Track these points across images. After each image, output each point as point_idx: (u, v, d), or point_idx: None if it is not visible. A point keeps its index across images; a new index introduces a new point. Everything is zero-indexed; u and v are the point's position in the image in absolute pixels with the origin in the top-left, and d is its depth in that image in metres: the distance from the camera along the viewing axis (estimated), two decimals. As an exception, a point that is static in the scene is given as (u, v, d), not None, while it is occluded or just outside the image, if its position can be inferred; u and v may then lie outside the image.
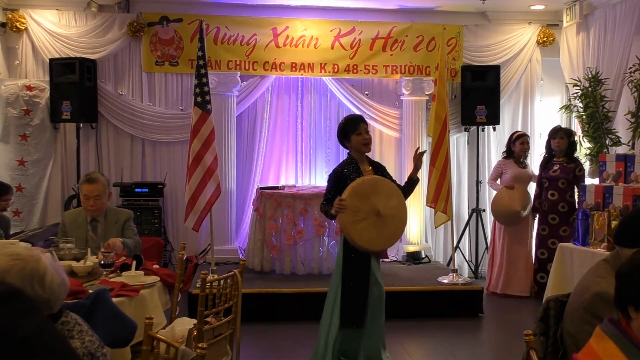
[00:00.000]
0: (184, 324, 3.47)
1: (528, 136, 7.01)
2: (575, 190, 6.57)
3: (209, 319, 3.42)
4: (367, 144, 4.34)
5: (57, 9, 7.27)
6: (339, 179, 4.31)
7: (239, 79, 7.41)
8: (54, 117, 7.09)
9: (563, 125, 8.02)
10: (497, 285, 6.92)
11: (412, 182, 4.50)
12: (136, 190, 7.14)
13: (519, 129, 7.58)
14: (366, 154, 4.46)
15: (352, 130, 4.33)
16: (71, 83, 6.93)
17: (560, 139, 6.62)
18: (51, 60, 7.04)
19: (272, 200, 6.69)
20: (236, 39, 7.46)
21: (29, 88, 7.04)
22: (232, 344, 3.65)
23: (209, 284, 3.39)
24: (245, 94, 7.56)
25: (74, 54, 7.13)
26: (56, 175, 7.32)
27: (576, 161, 6.67)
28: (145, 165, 7.52)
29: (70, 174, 7.32)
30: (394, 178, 4.57)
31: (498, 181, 6.98)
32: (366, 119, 7.52)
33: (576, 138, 6.95)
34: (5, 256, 1.83)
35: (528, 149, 6.92)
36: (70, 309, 3.10)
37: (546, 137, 6.83)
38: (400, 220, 4.27)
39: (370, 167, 4.41)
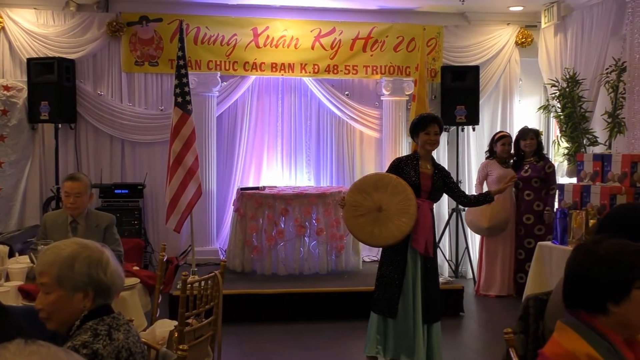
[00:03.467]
0: (165, 326, 3.45)
1: (510, 137, 7.03)
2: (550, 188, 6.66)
3: (190, 321, 3.41)
4: (432, 143, 4.49)
5: (34, 8, 7.19)
6: (395, 168, 4.50)
7: (219, 79, 7.39)
8: (32, 117, 7.01)
9: (542, 126, 8.13)
10: (489, 287, 6.94)
11: (488, 197, 4.61)
12: (116, 191, 7.08)
13: (499, 129, 7.65)
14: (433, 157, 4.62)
15: (422, 128, 4.48)
16: (49, 83, 6.85)
17: (531, 139, 6.72)
18: (29, 60, 6.96)
19: (253, 200, 6.68)
20: (216, 39, 7.44)
21: (6, 88, 6.96)
22: (213, 346, 3.64)
23: (189, 285, 3.38)
24: (225, 95, 7.53)
25: (52, 53, 7.05)
26: (34, 176, 7.23)
27: (544, 158, 6.77)
28: (125, 166, 7.46)
29: (48, 175, 7.24)
30: (456, 183, 4.69)
31: (484, 185, 6.97)
32: (346, 120, 7.69)
33: (554, 138, 7.03)
34: (75, 244, 2.10)
35: (510, 149, 6.93)
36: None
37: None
38: (408, 216, 4.28)
39: (432, 167, 4.50)
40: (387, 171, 4.58)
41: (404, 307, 4.35)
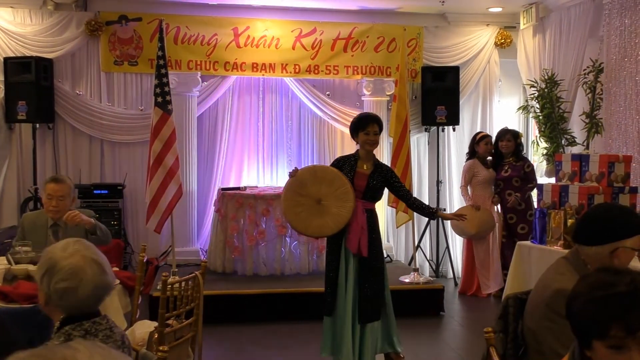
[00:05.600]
0: (145, 327, 3.43)
1: (491, 137, 7.07)
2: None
3: (170, 322, 3.39)
4: (371, 144, 4.50)
5: (11, 7, 7.10)
6: (336, 167, 4.54)
7: (200, 79, 7.36)
8: (9, 117, 6.93)
9: (521, 126, 8.20)
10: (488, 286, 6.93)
11: (433, 215, 4.64)
12: (95, 191, 7.02)
13: (479, 130, 7.69)
14: (375, 157, 4.62)
15: (361, 128, 4.50)
16: (27, 83, 6.77)
17: (508, 141, 6.78)
18: (6, 59, 6.87)
19: (234, 201, 6.65)
20: (197, 38, 7.40)
21: (-17, 88, 6.87)
22: (194, 347, 3.62)
23: (170, 286, 3.35)
24: (206, 94, 7.50)
25: (30, 52, 6.97)
26: (11, 177, 7.14)
27: (523, 158, 6.84)
28: (104, 166, 7.40)
29: (26, 176, 7.16)
30: (402, 183, 4.68)
31: (469, 188, 6.97)
32: (327, 120, 7.69)
33: (533, 138, 7.09)
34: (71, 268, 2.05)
35: (492, 149, 6.97)
36: (27, 313, 3.06)
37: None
38: (335, 222, 4.35)
39: (371, 167, 4.49)
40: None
41: (339, 306, 4.40)
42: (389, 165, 6.63)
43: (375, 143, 4.52)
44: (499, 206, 6.92)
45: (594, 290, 1.66)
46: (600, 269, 1.77)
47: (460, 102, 7.77)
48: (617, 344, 1.61)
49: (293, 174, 4.42)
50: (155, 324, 3.35)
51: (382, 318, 4.54)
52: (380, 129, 4.54)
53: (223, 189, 6.90)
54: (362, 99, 7.76)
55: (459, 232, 7.05)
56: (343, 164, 4.51)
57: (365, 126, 4.46)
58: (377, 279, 4.49)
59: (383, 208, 7.38)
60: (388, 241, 7.73)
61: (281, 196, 4.55)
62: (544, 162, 7.20)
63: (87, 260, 2.05)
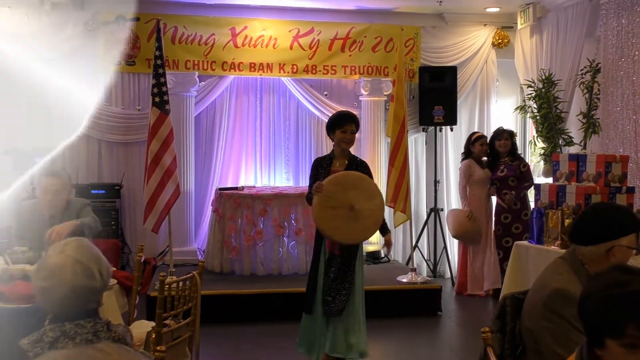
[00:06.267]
0: (142, 327, 3.43)
1: (486, 137, 7.08)
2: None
3: (167, 322, 3.39)
4: (347, 142, 4.45)
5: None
6: (313, 170, 4.52)
7: (197, 79, 7.35)
8: (7, 117, 6.92)
9: (518, 126, 8.21)
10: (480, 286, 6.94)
11: (383, 230, 4.54)
12: (92, 191, 7.00)
13: (476, 130, 7.70)
14: (350, 153, 4.57)
15: (338, 126, 4.44)
16: (24, 82, 6.77)
17: (505, 140, 6.78)
18: (3, 59, 6.87)
19: (232, 201, 6.66)
20: (194, 38, 7.40)
21: (-20, 87, 6.85)
22: (191, 347, 3.62)
23: (167, 286, 3.35)
24: (203, 94, 7.50)
25: (27, 52, 6.96)
26: (9, 176, 7.13)
27: (519, 158, 6.85)
28: (102, 166, 7.39)
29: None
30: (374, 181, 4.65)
31: (467, 189, 6.99)
32: (325, 120, 7.66)
33: (530, 138, 7.09)
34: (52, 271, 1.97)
35: (487, 149, 6.98)
36: (25, 313, 3.05)
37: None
38: (374, 222, 4.34)
39: (343, 164, 4.47)
40: (310, 174, 4.58)
41: (317, 305, 4.38)
42: (387, 164, 6.73)
43: (351, 142, 4.49)
44: (494, 201, 6.91)
45: (609, 289, 1.66)
46: (614, 267, 1.77)
47: (458, 102, 7.78)
48: (632, 342, 1.61)
49: (320, 190, 4.25)
50: (153, 324, 3.35)
51: (345, 317, 4.32)
52: (357, 128, 4.51)
53: (221, 189, 6.90)
54: (360, 98, 7.76)
55: (449, 227, 7.12)
56: (319, 165, 4.49)
57: (342, 124, 4.42)
58: (347, 277, 4.35)
59: (381, 208, 7.38)
60: (386, 241, 7.73)
61: (313, 217, 4.42)
62: (542, 162, 7.22)
63: (70, 260, 1.94)
